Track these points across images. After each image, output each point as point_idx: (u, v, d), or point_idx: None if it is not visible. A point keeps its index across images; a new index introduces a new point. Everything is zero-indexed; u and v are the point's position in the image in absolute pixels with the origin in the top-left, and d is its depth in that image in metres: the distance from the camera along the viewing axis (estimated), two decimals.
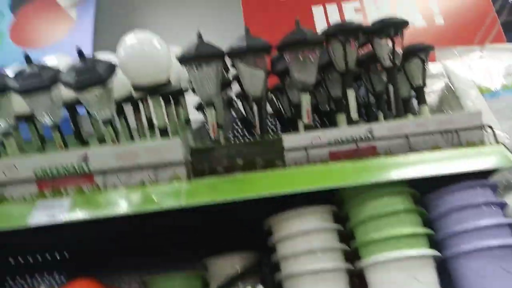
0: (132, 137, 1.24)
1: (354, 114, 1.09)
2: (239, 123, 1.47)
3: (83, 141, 1.21)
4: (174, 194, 0.98)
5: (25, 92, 0.96)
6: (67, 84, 0.94)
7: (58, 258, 1.41)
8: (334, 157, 1.03)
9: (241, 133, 1.51)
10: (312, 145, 1.03)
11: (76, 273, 1.14)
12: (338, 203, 1.08)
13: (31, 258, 1.47)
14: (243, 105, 1.35)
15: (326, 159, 1.03)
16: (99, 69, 0.94)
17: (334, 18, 1.69)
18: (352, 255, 1.02)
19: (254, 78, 1.06)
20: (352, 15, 1.68)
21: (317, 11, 1.70)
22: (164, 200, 0.97)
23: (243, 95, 1.33)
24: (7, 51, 1.78)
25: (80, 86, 0.93)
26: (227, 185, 1.00)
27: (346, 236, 1.05)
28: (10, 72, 1.09)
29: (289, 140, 1.04)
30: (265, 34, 1.10)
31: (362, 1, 1.72)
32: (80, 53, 0.95)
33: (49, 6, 1.85)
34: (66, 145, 1.10)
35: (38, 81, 0.95)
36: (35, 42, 1.80)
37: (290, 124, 1.32)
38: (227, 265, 1.25)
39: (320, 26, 1.65)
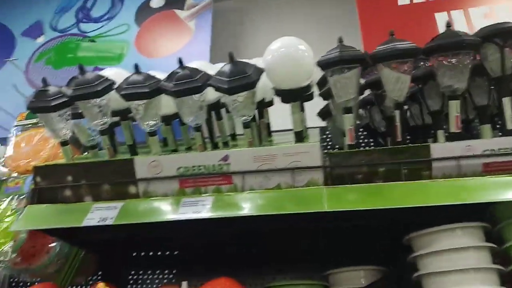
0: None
1: (510, 125, 1.00)
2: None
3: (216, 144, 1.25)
4: (315, 198, 0.97)
5: (179, 94, 1.01)
6: (220, 89, 0.98)
7: (183, 257, 1.48)
8: (488, 169, 0.95)
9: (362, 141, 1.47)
10: (462, 155, 0.96)
11: (204, 273, 1.19)
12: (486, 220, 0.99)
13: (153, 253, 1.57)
14: (369, 111, 1.32)
15: (479, 171, 0.96)
16: (250, 73, 0.97)
17: (460, 25, 1.59)
18: (508, 277, 0.93)
19: (399, 84, 1.02)
20: (480, 22, 1.58)
21: (441, 17, 1.62)
22: (306, 204, 0.96)
23: (369, 101, 1.30)
24: (132, 59, 1.92)
25: (233, 91, 0.97)
26: (369, 193, 0.97)
27: (498, 255, 0.96)
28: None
29: (437, 148, 0.98)
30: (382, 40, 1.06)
31: (492, 6, 1.61)
32: (231, 56, 0.99)
33: (170, 18, 1.98)
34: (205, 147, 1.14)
35: (192, 84, 1.00)
36: (157, 52, 1.93)
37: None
38: (352, 278, 1.21)
39: None
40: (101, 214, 1.06)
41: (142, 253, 1.59)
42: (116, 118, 1.23)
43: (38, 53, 2.11)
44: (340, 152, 1.03)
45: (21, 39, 2.16)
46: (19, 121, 1.47)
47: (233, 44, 1.86)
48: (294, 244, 1.32)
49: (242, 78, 0.97)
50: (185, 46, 1.91)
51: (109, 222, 1.03)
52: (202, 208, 1.01)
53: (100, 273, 1.56)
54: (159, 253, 1.58)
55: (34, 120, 1.46)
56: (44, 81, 1.12)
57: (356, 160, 1.01)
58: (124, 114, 1.23)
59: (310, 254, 1.33)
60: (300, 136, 1.09)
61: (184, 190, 1.10)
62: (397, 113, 1.06)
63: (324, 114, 1.38)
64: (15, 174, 1.35)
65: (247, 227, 1.28)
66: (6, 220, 1.20)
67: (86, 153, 1.45)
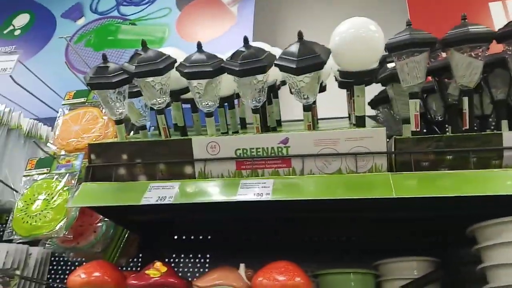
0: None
1: None
2: None
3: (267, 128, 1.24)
4: (382, 184, 0.95)
5: (244, 73, 1.00)
6: (286, 69, 0.96)
7: (228, 241, 1.48)
8: None
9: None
10: None
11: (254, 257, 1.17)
12: None
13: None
14: (425, 100, 1.28)
15: None
16: (320, 53, 0.94)
17: None
18: None
19: (470, 69, 0.99)
20: None
21: (495, 7, 1.57)
22: (373, 190, 0.94)
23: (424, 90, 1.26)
24: (173, 43, 1.91)
25: (301, 71, 0.94)
26: (437, 180, 0.94)
27: None
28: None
29: (510, 137, 0.94)
30: (431, 30, 1.02)
31: None
32: (300, 35, 0.97)
33: (213, 3, 1.96)
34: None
35: (257, 63, 0.99)
36: (198, 36, 1.91)
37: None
38: (404, 269, 1.19)
39: (499, 23, 1.51)
40: (159, 193, 1.05)
41: (183, 237, 1.59)
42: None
43: (78, 35, 2.12)
44: (407, 137, 1.00)
45: (61, 20, 2.17)
46: (67, 99, 1.47)
47: (275, 30, 1.83)
48: (347, 233, 1.30)
49: (311, 58, 0.94)
50: (228, 31, 1.89)
51: (168, 201, 1.02)
52: (263, 190, 0.99)
53: (141, 255, 1.58)
54: (200, 237, 1.59)
55: (82, 99, 1.46)
56: (104, 57, 1.11)
57: (424, 146, 0.98)
58: (177, 95, 1.23)
59: (362, 244, 1.31)
60: (363, 121, 1.07)
61: (240, 172, 1.08)
62: (465, 100, 1.03)
63: (377, 101, 1.35)
64: (63, 153, 1.35)
65: (300, 214, 1.28)
66: (59, 197, 1.20)
67: (131, 133, 1.46)
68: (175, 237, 1.59)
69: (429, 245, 1.25)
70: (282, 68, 0.98)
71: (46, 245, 1.33)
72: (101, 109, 1.43)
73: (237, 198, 1.00)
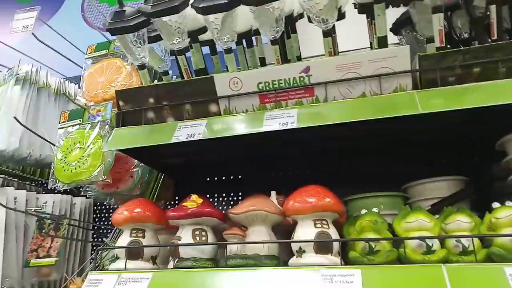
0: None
1: None
2: None
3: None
4: (408, 101, 0.94)
5: (259, 2, 0.98)
6: None
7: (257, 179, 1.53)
8: None
9: None
10: None
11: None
12: None
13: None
14: (449, 19, 1.23)
15: None
16: None
17: None
18: None
19: None
20: None
21: None
22: (398, 108, 0.94)
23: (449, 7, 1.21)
24: None
25: None
26: (464, 94, 0.93)
27: None
28: None
29: None
30: None
31: None
32: None
33: None
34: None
35: None
36: None
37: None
38: (434, 189, 1.21)
39: None
40: (188, 131, 1.09)
41: (216, 178, 1.65)
42: None
43: None
44: (432, 53, 0.98)
45: None
46: (89, 53, 1.50)
47: None
48: (374, 161, 1.32)
49: None
50: None
51: (197, 137, 1.06)
52: (288, 120, 1.01)
53: (176, 198, 1.65)
54: (231, 177, 1.64)
55: (104, 52, 1.49)
56: (120, 1, 1.11)
57: (450, 61, 0.96)
58: (195, 36, 1.23)
59: (391, 169, 1.33)
60: (385, 41, 1.05)
61: (264, 106, 1.10)
62: (493, 8, 0.98)
63: (399, 25, 1.30)
64: (92, 104, 1.40)
65: (326, 144, 1.30)
66: (94, 145, 1.26)
67: (155, 82, 1.48)
68: (208, 179, 1.65)
69: (457, 165, 1.25)
70: None
71: (89, 193, 1.42)
72: (123, 59, 1.45)
73: (263, 129, 1.02)
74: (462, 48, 0.96)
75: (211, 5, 1.02)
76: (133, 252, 1.04)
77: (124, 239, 1.06)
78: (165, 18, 1.06)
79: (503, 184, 1.02)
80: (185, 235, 1.02)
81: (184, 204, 1.04)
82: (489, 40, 1.05)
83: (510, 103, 0.87)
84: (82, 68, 1.56)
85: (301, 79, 1.06)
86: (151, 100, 1.18)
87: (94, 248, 1.65)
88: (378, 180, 1.28)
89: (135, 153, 1.29)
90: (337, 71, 1.03)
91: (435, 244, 0.85)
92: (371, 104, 0.97)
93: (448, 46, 1.05)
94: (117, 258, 1.06)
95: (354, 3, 1.21)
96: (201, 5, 1.03)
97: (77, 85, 1.79)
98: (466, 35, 1.21)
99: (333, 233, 0.93)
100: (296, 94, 1.07)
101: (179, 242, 1.01)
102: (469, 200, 1.16)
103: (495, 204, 0.88)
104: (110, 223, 1.68)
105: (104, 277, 1.00)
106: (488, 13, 1.10)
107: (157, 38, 1.21)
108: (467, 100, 0.90)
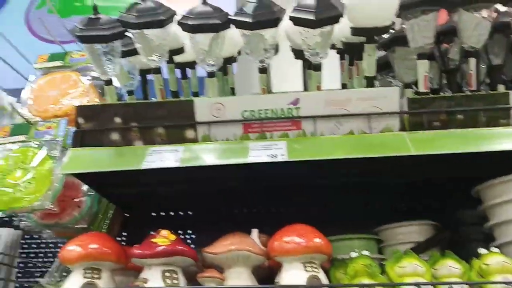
0: None
1: None
2: None
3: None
4: (398, 142, 0.93)
5: (256, 26, 0.93)
6: (303, 21, 0.91)
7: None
8: None
9: None
10: None
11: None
12: None
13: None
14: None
15: None
16: (337, 5, 0.90)
17: None
18: None
19: (478, 29, 0.99)
20: None
21: None
22: (390, 148, 0.92)
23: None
24: None
25: (319, 23, 0.90)
26: (453, 137, 0.94)
27: None
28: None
29: None
30: None
31: None
32: None
33: None
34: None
35: (271, 16, 0.93)
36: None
37: None
38: (405, 233, 1.20)
39: None
40: (161, 156, 0.97)
41: (171, 213, 1.51)
42: None
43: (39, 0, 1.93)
44: (421, 97, 1.00)
45: None
46: (40, 63, 1.32)
47: None
48: (344, 201, 1.29)
49: (330, 10, 0.90)
50: None
51: (173, 164, 0.94)
52: (277, 152, 0.95)
53: (125, 234, 1.47)
54: (189, 212, 1.51)
55: (58, 63, 1.32)
56: (95, 8, 1.00)
57: (437, 105, 0.98)
58: (171, 56, 1.14)
59: (364, 210, 1.31)
60: (372, 82, 1.05)
61: (248, 136, 1.03)
62: (472, 61, 1.04)
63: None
64: (39, 119, 1.22)
65: (300, 182, 1.25)
66: (41, 166, 1.08)
67: None
68: (162, 213, 1.50)
69: (427, 210, 1.27)
70: (298, 21, 0.93)
71: (22, 223, 1.20)
72: (80, 72, 1.30)
73: (249, 160, 0.94)
74: (449, 94, 1.00)
75: (202, 24, 0.96)
76: None
77: (76, 281, 0.89)
78: (148, 31, 0.97)
79: (480, 230, 1.04)
80: (152, 277, 0.88)
81: (153, 240, 0.91)
82: (465, 90, 1.11)
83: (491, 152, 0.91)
84: (26, 79, 1.38)
85: (289, 110, 1.01)
86: (118, 120, 1.05)
87: None
88: (349, 222, 1.25)
89: (89, 178, 1.12)
90: (326, 106, 1.01)
91: None
92: (366, 142, 0.95)
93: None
94: None
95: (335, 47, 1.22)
96: (190, 23, 0.96)
97: (15, 98, 1.57)
98: (436, 86, 1.26)
99: (323, 277, 0.86)
100: (283, 126, 1.02)
101: (146, 285, 0.87)
102: (439, 246, 1.17)
103: (482, 250, 0.88)
104: (41, 259, 1.44)
105: None
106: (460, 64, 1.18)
107: (130, 53, 1.10)
108: (458, 144, 0.92)
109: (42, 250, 1.49)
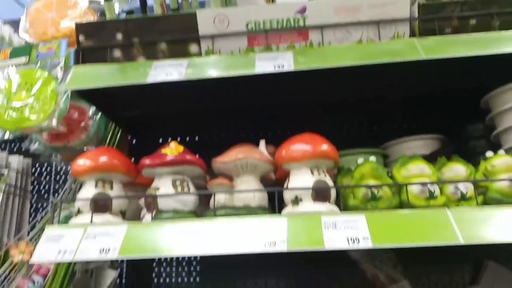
0: None
1: None
2: None
3: None
4: (409, 47, 0.91)
5: None
6: None
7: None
8: None
9: None
10: None
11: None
12: None
13: None
14: None
15: None
16: None
17: None
18: None
19: None
20: None
21: None
22: (401, 54, 0.90)
23: None
24: None
25: None
26: (459, 43, 0.92)
27: None
28: None
29: None
30: None
31: None
32: None
33: None
34: None
35: None
36: None
37: None
38: (412, 148, 1.21)
39: None
40: (166, 70, 0.96)
41: (178, 138, 1.52)
42: None
43: None
44: (432, 2, 0.96)
45: None
46: None
47: None
48: (354, 118, 1.29)
49: None
50: None
51: (178, 77, 0.93)
52: (284, 62, 0.93)
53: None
54: (196, 138, 1.52)
55: None
56: None
57: (449, 11, 0.95)
58: None
59: (370, 128, 1.31)
60: None
61: (253, 49, 1.01)
62: None
63: None
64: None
65: (306, 100, 1.24)
66: (45, 86, 1.06)
67: None
68: (170, 138, 1.51)
69: (434, 125, 1.27)
70: None
71: (32, 146, 1.21)
72: None
73: (256, 71, 0.93)
74: None
75: None
76: (100, 205, 0.89)
77: (88, 191, 0.91)
78: None
79: (487, 143, 1.04)
80: (163, 185, 0.90)
81: (162, 151, 0.92)
82: None
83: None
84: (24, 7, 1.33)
85: (296, 20, 0.98)
86: (119, 37, 1.03)
87: (33, 213, 1.43)
88: (356, 138, 1.25)
89: (94, 98, 1.12)
90: (335, 14, 0.97)
91: (436, 190, 0.83)
92: (376, 50, 0.91)
93: None
94: (79, 212, 0.91)
95: None
96: None
97: (12, 28, 1.53)
98: None
99: (330, 181, 0.87)
100: (288, 37, 0.99)
101: (158, 192, 0.89)
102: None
103: (489, 153, 0.89)
104: (53, 185, 1.47)
105: (65, 232, 0.84)
106: None
107: None
108: (470, 48, 0.89)
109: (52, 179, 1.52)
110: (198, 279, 1.45)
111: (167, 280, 1.48)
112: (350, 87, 1.14)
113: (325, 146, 0.88)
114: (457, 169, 0.87)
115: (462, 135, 1.19)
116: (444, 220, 0.76)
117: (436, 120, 1.28)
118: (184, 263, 1.49)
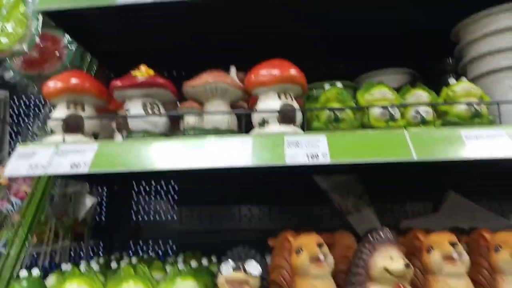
0: None
1: None
2: None
3: None
4: None
5: None
6: None
7: None
8: None
9: None
10: None
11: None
12: None
13: None
14: None
15: None
16: None
17: None
18: None
19: None
20: None
21: None
22: None
23: None
24: None
25: None
26: None
27: None
28: None
29: None
30: None
31: None
32: None
33: None
34: None
35: None
36: None
37: None
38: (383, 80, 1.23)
39: None
40: None
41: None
42: None
43: None
44: None
45: None
46: None
47: None
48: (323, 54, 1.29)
49: None
50: None
51: None
52: None
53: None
54: (174, 73, 1.52)
55: None
56: None
57: None
58: None
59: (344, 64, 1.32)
60: None
61: None
62: None
63: None
64: None
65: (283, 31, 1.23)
66: (13, 10, 1.05)
67: None
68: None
69: (406, 62, 1.28)
70: None
71: (6, 74, 1.21)
72: None
73: None
74: None
75: None
76: (72, 125, 0.91)
77: (60, 112, 0.93)
78: None
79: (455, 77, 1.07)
80: (134, 107, 0.92)
81: (133, 73, 0.93)
82: None
83: None
84: None
85: None
86: None
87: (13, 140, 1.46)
88: (330, 75, 1.27)
89: (66, 23, 1.10)
90: None
91: (397, 113, 0.87)
92: None
93: None
94: (51, 133, 0.93)
95: None
96: None
97: None
98: None
99: (297, 106, 0.90)
100: None
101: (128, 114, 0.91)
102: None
103: (452, 80, 0.91)
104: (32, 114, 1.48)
105: (37, 150, 0.86)
106: None
107: None
108: None
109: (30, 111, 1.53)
110: (175, 216, 1.50)
111: (145, 217, 1.53)
112: (323, 24, 1.14)
113: (293, 71, 0.90)
114: (420, 95, 0.90)
115: (434, 72, 1.22)
116: (400, 139, 0.80)
117: (411, 59, 1.29)
118: (163, 199, 1.54)
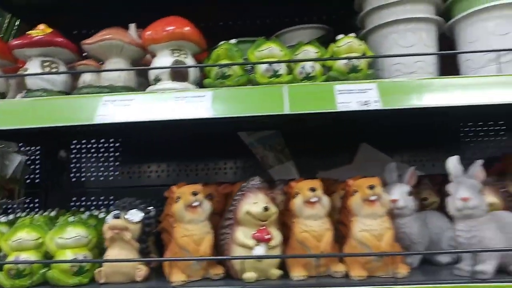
0: None
1: None
2: None
3: None
4: None
5: None
6: None
7: None
8: None
9: None
10: None
11: None
12: None
13: None
14: None
15: None
16: None
17: None
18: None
19: None
20: None
21: None
22: None
23: None
24: None
25: None
26: None
27: None
28: None
29: None
30: None
31: None
32: None
33: None
34: None
35: None
36: None
37: None
38: (299, 36, 1.25)
39: None
40: None
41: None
42: None
43: None
44: None
45: None
46: None
47: None
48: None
49: None
50: None
51: None
52: None
53: None
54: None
55: None
56: None
57: None
58: None
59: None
60: None
61: None
62: None
63: None
64: None
65: None
66: None
67: None
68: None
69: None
70: None
71: None
72: None
73: None
74: None
75: None
76: None
77: None
78: None
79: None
80: (32, 66, 0.94)
81: (28, 32, 0.94)
82: None
83: None
84: None
85: None
86: None
87: None
88: (249, 32, 1.28)
89: None
90: None
91: (282, 69, 0.90)
92: None
93: None
94: None
95: None
96: None
97: None
98: None
99: (191, 63, 0.93)
100: None
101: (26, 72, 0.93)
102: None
103: (339, 36, 0.94)
104: None
105: None
106: None
107: None
108: None
109: None
110: (112, 175, 1.54)
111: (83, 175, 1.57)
112: None
113: (186, 28, 0.92)
114: (309, 51, 0.94)
115: (347, 26, 1.23)
116: (278, 94, 0.84)
117: (327, 14, 1.31)
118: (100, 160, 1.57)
